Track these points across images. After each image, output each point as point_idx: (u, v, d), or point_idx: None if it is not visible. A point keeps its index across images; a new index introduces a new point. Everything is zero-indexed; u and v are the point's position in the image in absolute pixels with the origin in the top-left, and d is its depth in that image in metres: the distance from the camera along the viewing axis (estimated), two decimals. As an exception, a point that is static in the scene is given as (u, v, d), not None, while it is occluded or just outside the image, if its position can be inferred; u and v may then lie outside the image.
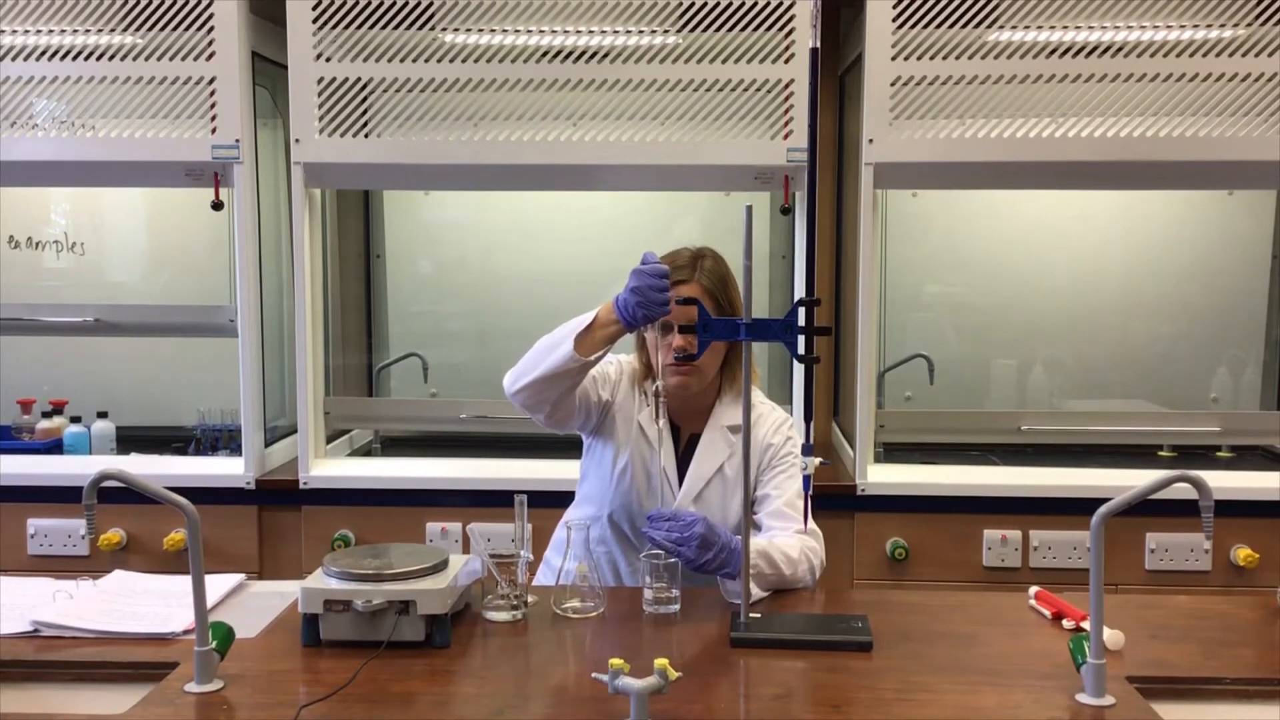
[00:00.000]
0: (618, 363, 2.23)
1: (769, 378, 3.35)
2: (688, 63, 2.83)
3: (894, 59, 2.76)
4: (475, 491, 2.91)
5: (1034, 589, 1.99)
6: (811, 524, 2.00)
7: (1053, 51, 2.77)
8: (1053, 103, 2.78)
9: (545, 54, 2.88)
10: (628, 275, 1.90)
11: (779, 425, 2.19)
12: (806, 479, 1.86)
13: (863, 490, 2.87)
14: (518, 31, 2.85)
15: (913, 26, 2.75)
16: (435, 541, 2.90)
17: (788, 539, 2.05)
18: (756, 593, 1.96)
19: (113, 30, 2.86)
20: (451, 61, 2.85)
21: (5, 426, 3.32)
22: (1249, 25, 2.73)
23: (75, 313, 3.18)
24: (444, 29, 2.84)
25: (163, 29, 2.83)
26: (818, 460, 1.84)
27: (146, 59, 2.86)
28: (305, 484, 2.94)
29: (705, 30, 2.80)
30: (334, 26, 2.83)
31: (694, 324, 1.89)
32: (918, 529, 2.87)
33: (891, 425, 3.25)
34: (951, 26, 2.74)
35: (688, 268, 2.09)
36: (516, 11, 2.82)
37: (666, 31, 2.84)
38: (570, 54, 2.87)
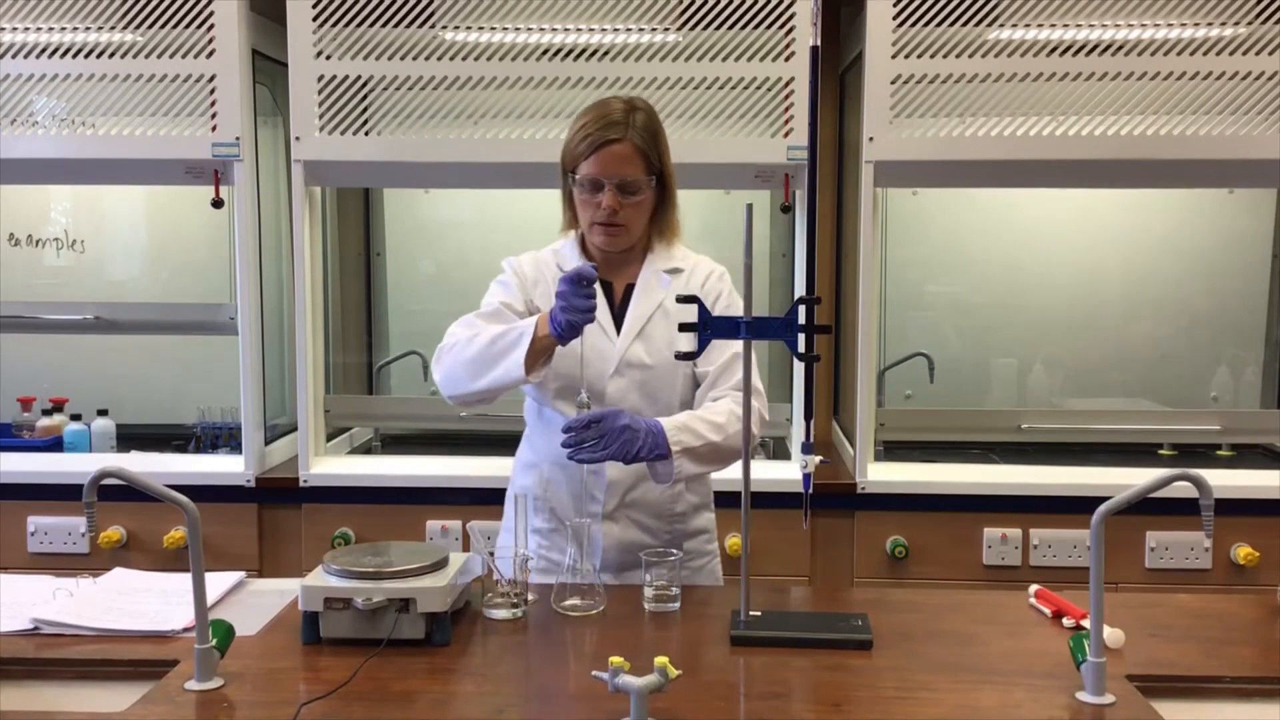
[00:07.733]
0: (513, 270, 2.20)
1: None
2: (688, 61, 2.83)
3: (894, 57, 2.76)
4: (475, 489, 2.90)
5: (1034, 587, 1.98)
6: (755, 380, 1.89)
7: (1053, 50, 2.77)
8: (1053, 101, 2.78)
9: (546, 52, 2.88)
10: None
11: (709, 276, 2.14)
12: (806, 477, 1.85)
13: (863, 489, 2.87)
14: (518, 29, 2.85)
15: (913, 24, 2.75)
16: (435, 539, 2.90)
17: (713, 406, 2.01)
18: (693, 469, 1.95)
19: (113, 28, 2.86)
20: (452, 59, 2.85)
21: (5, 424, 3.32)
22: (1249, 24, 2.73)
23: (75, 310, 3.18)
24: (444, 27, 2.84)
25: (163, 26, 2.83)
26: (818, 459, 1.84)
27: (147, 56, 2.86)
28: (305, 482, 2.94)
29: (705, 28, 2.80)
30: (334, 24, 2.83)
31: (627, 182, 1.98)
32: (918, 527, 2.87)
33: (892, 424, 3.25)
34: (952, 25, 2.74)
35: (621, 124, 2.03)
36: (517, 9, 2.82)
37: (667, 29, 2.84)
38: (570, 52, 2.87)
